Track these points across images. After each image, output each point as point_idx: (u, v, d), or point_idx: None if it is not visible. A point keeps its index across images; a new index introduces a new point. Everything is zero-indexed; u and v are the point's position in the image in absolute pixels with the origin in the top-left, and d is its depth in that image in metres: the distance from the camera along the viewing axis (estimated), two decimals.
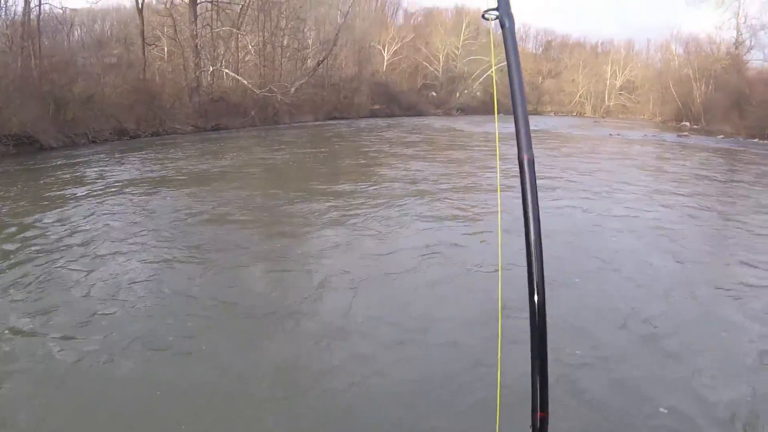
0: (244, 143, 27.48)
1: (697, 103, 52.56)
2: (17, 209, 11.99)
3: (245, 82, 36.16)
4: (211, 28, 36.90)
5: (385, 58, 64.32)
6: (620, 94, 73.63)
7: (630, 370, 5.32)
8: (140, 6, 34.17)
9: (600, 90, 74.96)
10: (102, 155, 21.66)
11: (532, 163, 1.77)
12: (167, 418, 4.49)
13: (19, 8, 26.70)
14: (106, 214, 11.45)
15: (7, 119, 21.44)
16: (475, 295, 7.08)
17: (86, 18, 56.01)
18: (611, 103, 73.70)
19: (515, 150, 1.81)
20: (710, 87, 52.40)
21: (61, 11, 30.87)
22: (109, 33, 50.06)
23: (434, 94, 67.70)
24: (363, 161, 21.72)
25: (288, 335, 6.06)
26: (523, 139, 1.79)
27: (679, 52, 64.36)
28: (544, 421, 1.72)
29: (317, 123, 41.78)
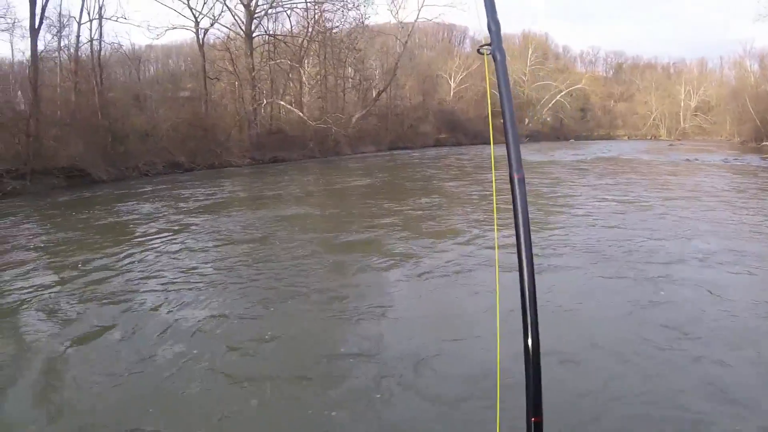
0: (297, 174, 27.51)
1: None
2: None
3: (300, 114, 36.36)
4: (269, 61, 37.32)
5: (452, 86, 64.10)
6: (695, 115, 71.25)
7: None
8: (201, 42, 35.10)
9: (674, 111, 72.68)
10: (154, 187, 22.02)
11: (522, 181, 1.92)
12: None
13: (78, 40, 27.96)
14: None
15: (57, 153, 22.10)
16: None
17: (161, 54, 58.35)
18: (687, 125, 71.38)
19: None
20: None
21: (120, 45, 31.89)
22: (183, 68, 51.47)
23: (502, 121, 66.70)
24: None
25: None
26: (513, 159, 1.93)
27: (754, 68, 62.12)
28: (539, 426, 1.79)
29: (379, 153, 41.50)
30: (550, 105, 70.58)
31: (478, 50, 2.05)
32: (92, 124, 25.34)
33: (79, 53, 27.93)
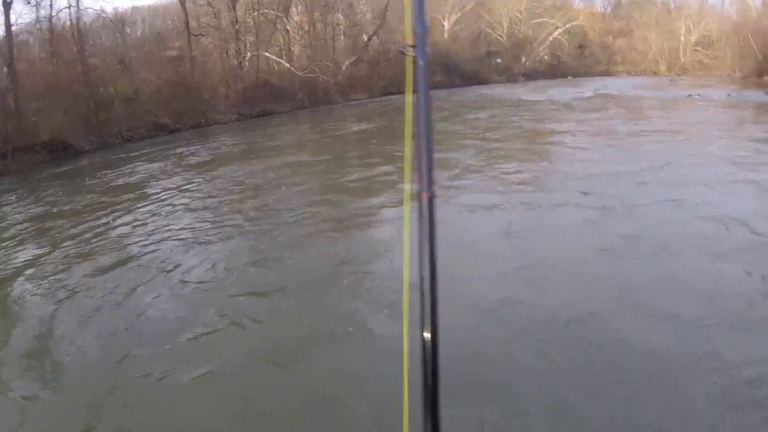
0: (284, 126, 27.09)
1: None
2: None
3: (286, 65, 35.33)
4: (252, 13, 36.07)
5: (446, 27, 62.50)
6: (696, 50, 69.58)
7: None
8: None
9: (674, 47, 70.96)
10: (138, 152, 21.58)
11: (431, 201, 1.75)
12: None
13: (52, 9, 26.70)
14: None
15: (38, 127, 21.39)
16: None
17: (148, 14, 56.58)
18: (687, 60, 69.85)
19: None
20: None
21: (102, 11, 30.92)
22: (171, 27, 50.09)
23: (499, 60, 65.41)
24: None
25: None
26: (425, 175, 1.74)
27: (756, 2, 60.74)
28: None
29: (373, 99, 40.60)
30: (547, 43, 69.04)
31: (400, 51, 1.85)
32: (72, 93, 24.54)
33: (57, 22, 26.90)
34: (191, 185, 15.18)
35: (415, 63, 1.82)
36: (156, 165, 18.73)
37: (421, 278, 1.71)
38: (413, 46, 1.82)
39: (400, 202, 10.89)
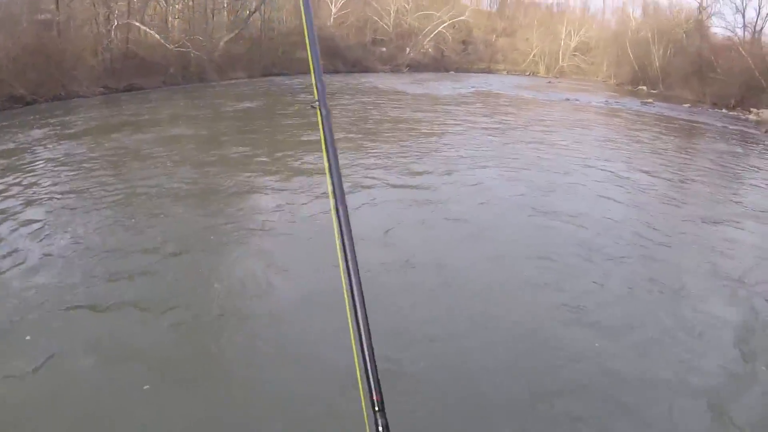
0: (154, 104, 24.88)
1: (655, 67, 51.11)
2: None
3: (157, 36, 32.23)
4: None
5: (332, 11, 60.55)
6: (574, 54, 71.77)
7: None
8: None
9: (554, 50, 72.83)
10: None
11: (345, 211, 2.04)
12: None
13: None
14: None
15: None
16: None
17: None
18: (565, 64, 71.70)
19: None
20: (669, 51, 50.81)
21: None
22: None
23: (384, 50, 64.37)
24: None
25: None
26: (337, 193, 2.06)
27: (636, 14, 63.00)
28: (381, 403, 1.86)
29: (251, 80, 38.13)
30: (431, 36, 68.55)
31: (311, 105, 2.27)
32: None
33: None
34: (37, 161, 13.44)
35: (320, 113, 2.23)
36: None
37: (351, 289, 1.92)
38: (317, 101, 2.26)
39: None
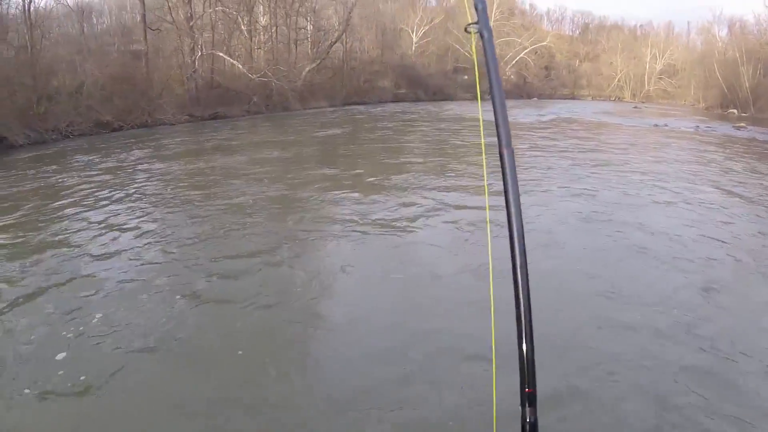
0: (240, 131, 25.84)
1: (745, 88, 48.84)
2: None
3: (240, 67, 33.68)
4: (209, 9, 34.38)
5: (414, 40, 61.61)
6: (660, 78, 70.15)
7: None
8: None
9: (639, 74, 71.48)
10: (77, 147, 20.16)
11: (511, 154, 2.01)
12: None
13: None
14: None
15: None
16: None
17: (115, 5, 54.16)
18: (651, 88, 70.24)
19: None
20: (759, 71, 48.86)
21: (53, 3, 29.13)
22: (139, 20, 48.17)
23: (465, 77, 64.79)
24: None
25: None
26: (503, 135, 2.01)
27: (722, 34, 61.18)
28: (533, 396, 1.82)
29: (333, 108, 39.20)
30: (513, 62, 68.66)
31: (465, 29, 2.07)
32: (14, 83, 22.71)
33: (7, 6, 25.01)
34: (121, 183, 14.16)
35: (481, 36, 2.05)
36: (93, 159, 17.40)
37: (512, 244, 1.89)
38: (476, 23, 2.06)
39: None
